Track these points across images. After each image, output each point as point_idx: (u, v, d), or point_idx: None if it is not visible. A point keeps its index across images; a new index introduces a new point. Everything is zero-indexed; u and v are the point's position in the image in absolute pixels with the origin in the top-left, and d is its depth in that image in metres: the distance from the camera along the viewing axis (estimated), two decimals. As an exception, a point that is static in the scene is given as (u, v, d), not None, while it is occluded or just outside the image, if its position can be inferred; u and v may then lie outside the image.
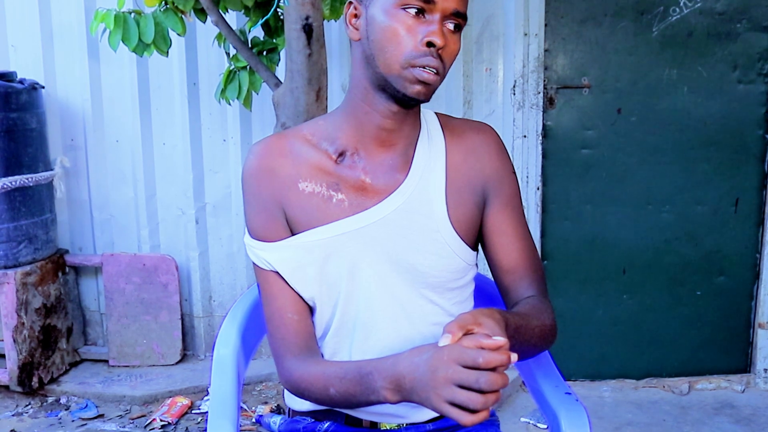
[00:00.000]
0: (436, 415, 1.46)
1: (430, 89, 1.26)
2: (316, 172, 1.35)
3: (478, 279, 1.53)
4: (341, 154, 1.35)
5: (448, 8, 1.23)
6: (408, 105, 1.30)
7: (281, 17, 2.68)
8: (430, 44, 1.22)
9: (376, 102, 1.31)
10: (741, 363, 3.49)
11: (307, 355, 1.36)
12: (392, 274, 1.36)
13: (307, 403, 1.46)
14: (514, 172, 1.45)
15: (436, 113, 1.45)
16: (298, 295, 1.37)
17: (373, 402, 1.21)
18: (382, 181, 1.35)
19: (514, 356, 1.06)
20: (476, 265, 1.47)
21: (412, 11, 1.23)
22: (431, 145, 1.39)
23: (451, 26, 1.26)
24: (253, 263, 1.40)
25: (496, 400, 1.04)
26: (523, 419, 3.13)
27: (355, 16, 1.32)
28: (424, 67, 1.23)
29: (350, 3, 1.33)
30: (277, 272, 1.36)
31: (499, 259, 1.42)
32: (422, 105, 1.39)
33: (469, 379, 1.03)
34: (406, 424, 1.45)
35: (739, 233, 3.39)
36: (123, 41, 2.67)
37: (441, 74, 1.25)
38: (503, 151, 1.44)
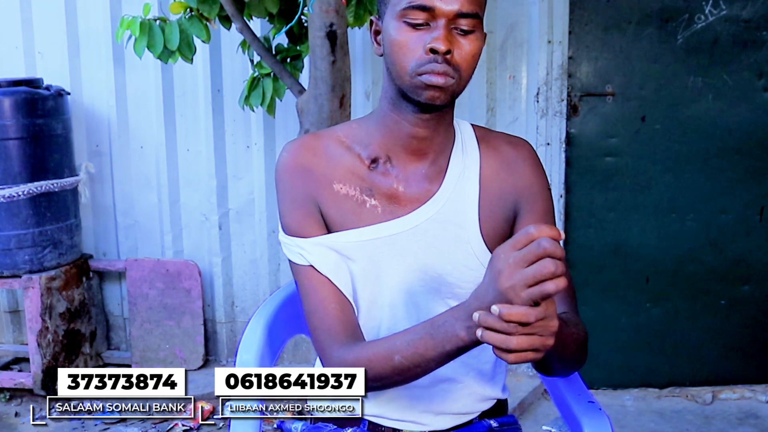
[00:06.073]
0: (459, 422, 1.46)
1: (444, 93, 1.25)
2: (350, 176, 1.36)
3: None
4: (374, 161, 1.36)
5: (450, 12, 1.22)
6: (430, 110, 1.31)
7: (305, 24, 2.69)
8: (433, 51, 1.22)
9: (403, 111, 1.32)
10: (765, 373, 3.45)
11: (354, 342, 1.32)
12: (419, 283, 1.36)
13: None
14: (549, 189, 1.44)
15: (472, 125, 1.45)
16: (337, 287, 1.35)
17: (444, 354, 1.17)
18: (414, 190, 1.36)
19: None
20: None
21: (415, 21, 1.24)
22: (465, 157, 1.39)
23: (462, 28, 1.25)
24: (290, 261, 1.39)
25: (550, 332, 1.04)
26: (545, 427, 3.11)
27: (378, 32, 1.34)
28: (430, 73, 1.23)
29: (372, 21, 1.35)
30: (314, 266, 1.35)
31: None
32: (456, 115, 1.40)
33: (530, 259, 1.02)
34: (429, 432, 1.46)
35: (763, 242, 3.35)
36: (148, 48, 2.69)
37: (455, 77, 1.25)
38: (539, 166, 1.43)
